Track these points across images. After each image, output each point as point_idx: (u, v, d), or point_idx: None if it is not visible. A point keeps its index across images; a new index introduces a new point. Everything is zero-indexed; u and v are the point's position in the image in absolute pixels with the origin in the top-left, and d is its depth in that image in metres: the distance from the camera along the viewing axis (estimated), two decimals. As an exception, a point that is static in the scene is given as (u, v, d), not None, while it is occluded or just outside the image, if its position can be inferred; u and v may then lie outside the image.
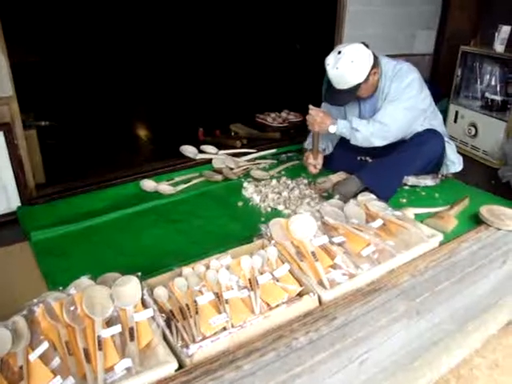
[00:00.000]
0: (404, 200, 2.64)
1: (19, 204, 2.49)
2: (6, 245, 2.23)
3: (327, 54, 2.52)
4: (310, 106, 2.63)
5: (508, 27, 3.06)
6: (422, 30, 3.83)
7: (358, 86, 2.48)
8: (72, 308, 1.56)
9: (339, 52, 2.44)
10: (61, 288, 1.65)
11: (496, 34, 3.12)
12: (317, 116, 2.60)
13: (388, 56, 2.67)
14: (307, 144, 2.92)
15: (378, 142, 2.57)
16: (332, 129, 2.59)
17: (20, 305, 1.58)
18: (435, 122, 2.72)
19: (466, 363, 2.18)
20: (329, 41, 3.42)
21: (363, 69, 2.45)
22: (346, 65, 2.41)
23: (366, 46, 2.50)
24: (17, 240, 2.28)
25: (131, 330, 1.53)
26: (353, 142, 2.61)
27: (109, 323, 1.56)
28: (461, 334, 1.99)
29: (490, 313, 2.12)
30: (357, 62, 2.42)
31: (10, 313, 1.55)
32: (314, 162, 2.75)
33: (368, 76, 2.48)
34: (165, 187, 2.74)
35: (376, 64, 2.53)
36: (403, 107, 2.53)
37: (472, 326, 2.05)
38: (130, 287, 1.65)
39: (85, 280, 1.69)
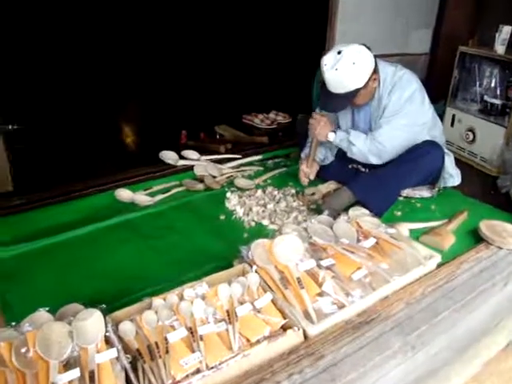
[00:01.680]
0: (399, 213, 2.47)
1: (-21, 218, 2.29)
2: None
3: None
4: (316, 111, 2.52)
5: (509, 27, 2.89)
6: (417, 28, 3.64)
7: (357, 91, 2.28)
8: (24, 350, 1.37)
9: (339, 52, 2.23)
10: (13, 324, 1.46)
11: (496, 35, 2.94)
12: (321, 121, 2.46)
13: (382, 56, 2.49)
14: (304, 153, 2.74)
15: (374, 160, 2.43)
16: (331, 136, 2.46)
17: None
18: (435, 132, 2.54)
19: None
20: (320, 39, 3.23)
21: (364, 73, 2.25)
22: (347, 66, 2.20)
23: (368, 48, 2.30)
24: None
25: (91, 373, 1.35)
26: (349, 154, 2.47)
27: (67, 366, 1.38)
28: (460, 362, 1.84)
29: (489, 336, 1.97)
30: (358, 65, 2.22)
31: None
32: (307, 171, 2.63)
33: (368, 81, 2.28)
34: (141, 197, 2.54)
35: (376, 69, 2.34)
36: (403, 124, 2.35)
37: (471, 352, 1.89)
38: (93, 322, 1.47)
39: (42, 314, 1.51)
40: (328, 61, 2.26)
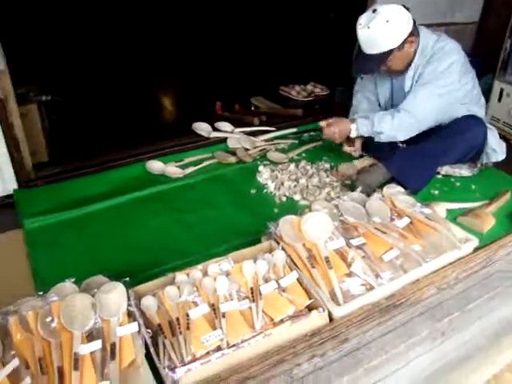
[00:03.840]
0: (436, 192, 2.37)
1: (16, 186, 2.33)
2: (0, 231, 2.08)
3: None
4: (321, 123, 2.44)
5: None
6: (467, -6, 3.43)
7: (390, 52, 2.17)
8: (49, 319, 1.39)
9: (374, 10, 2.14)
10: (40, 293, 1.49)
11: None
12: (334, 132, 2.40)
13: (427, 25, 2.35)
14: None
15: (402, 137, 2.32)
16: (353, 132, 2.38)
17: (3, 305, 1.43)
18: (476, 107, 2.40)
19: (495, 380, 1.96)
20: (360, 7, 3.08)
21: (399, 32, 2.14)
22: (380, 24, 2.10)
23: (407, 9, 2.18)
24: (12, 226, 2.12)
25: (113, 346, 1.36)
26: (376, 140, 2.37)
27: (90, 337, 1.39)
28: (494, 350, 1.77)
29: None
30: (393, 23, 2.11)
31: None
32: (350, 149, 2.53)
33: (403, 43, 2.17)
34: (172, 169, 2.52)
35: (415, 33, 2.21)
36: (436, 94, 2.23)
37: (507, 341, 1.82)
38: (116, 295, 1.48)
39: (67, 285, 1.52)
40: (362, 20, 2.17)
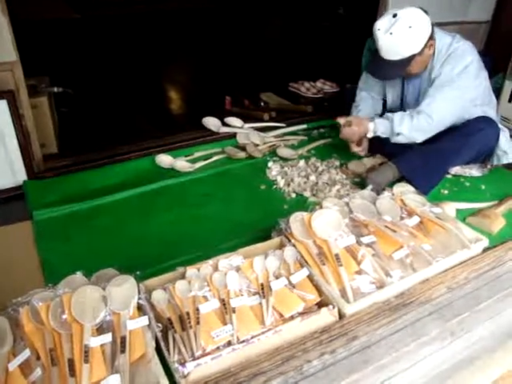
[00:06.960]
0: (445, 191, 2.35)
1: (25, 178, 2.33)
2: (10, 222, 2.09)
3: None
4: (341, 121, 2.40)
5: None
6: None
7: (412, 58, 2.16)
8: (59, 311, 1.39)
9: (394, 15, 2.11)
10: (50, 285, 1.49)
11: None
12: (353, 132, 2.37)
13: (439, 25, 2.33)
14: None
15: (421, 138, 2.29)
16: (371, 132, 2.35)
17: (12, 296, 1.44)
18: (488, 108, 2.38)
19: (503, 381, 1.96)
20: (372, 5, 3.06)
21: (421, 38, 2.13)
22: (403, 30, 2.08)
23: (425, 11, 2.16)
24: (22, 218, 2.12)
25: (123, 339, 1.36)
26: (393, 141, 2.33)
27: (100, 329, 1.39)
28: (502, 352, 1.77)
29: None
30: (415, 29, 2.09)
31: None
32: (358, 149, 2.51)
33: (424, 48, 2.16)
34: (182, 164, 2.53)
35: (433, 35, 2.19)
36: (453, 96, 2.21)
37: (514, 343, 1.82)
38: (126, 288, 1.47)
39: (78, 277, 1.53)
40: (382, 25, 2.14)
